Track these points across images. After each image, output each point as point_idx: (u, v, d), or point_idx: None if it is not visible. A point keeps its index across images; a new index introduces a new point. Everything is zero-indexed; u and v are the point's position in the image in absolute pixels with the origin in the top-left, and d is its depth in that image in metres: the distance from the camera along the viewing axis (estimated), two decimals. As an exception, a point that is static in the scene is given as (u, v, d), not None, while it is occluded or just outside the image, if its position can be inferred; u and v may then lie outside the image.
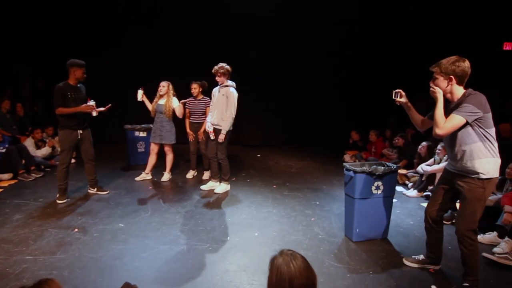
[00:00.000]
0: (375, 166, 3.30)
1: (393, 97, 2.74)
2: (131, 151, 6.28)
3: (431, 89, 2.47)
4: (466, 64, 2.37)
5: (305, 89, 8.39)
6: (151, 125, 5.55)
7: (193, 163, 5.60)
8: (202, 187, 4.95)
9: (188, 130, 5.38)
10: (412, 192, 4.92)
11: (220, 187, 4.87)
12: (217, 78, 4.57)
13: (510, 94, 5.97)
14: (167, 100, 5.10)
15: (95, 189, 4.72)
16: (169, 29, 7.75)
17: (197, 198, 4.61)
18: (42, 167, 5.79)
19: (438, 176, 4.76)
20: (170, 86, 5.16)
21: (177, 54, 7.80)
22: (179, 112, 5.16)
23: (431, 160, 4.93)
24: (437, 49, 7.26)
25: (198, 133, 5.35)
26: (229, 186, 4.95)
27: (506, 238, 3.23)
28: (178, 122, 5.42)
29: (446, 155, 4.70)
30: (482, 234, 3.48)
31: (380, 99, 8.34)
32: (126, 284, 1.74)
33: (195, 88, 5.23)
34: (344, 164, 3.45)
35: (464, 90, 2.42)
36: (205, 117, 5.26)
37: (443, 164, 4.66)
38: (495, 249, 3.14)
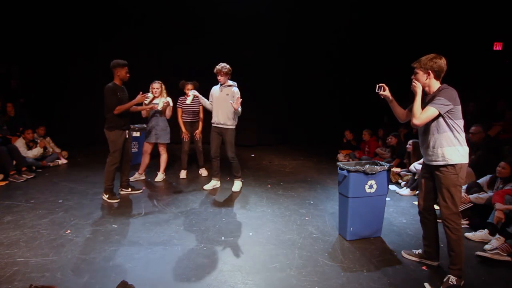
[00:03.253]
0: (368, 165, 3.33)
1: (376, 91, 2.93)
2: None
3: (412, 83, 2.70)
4: (443, 61, 2.63)
5: (299, 88, 8.42)
6: (144, 125, 5.52)
7: (184, 162, 5.58)
8: (205, 187, 4.96)
9: (184, 129, 5.36)
10: (405, 191, 4.97)
11: (236, 185, 4.92)
12: (219, 77, 4.54)
13: (500, 93, 6.06)
14: (163, 99, 5.14)
15: (129, 189, 4.73)
16: (162, 29, 7.72)
17: (191, 198, 4.59)
18: (34, 168, 5.72)
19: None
20: (163, 86, 5.17)
21: (170, 54, 7.77)
22: (170, 112, 5.18)
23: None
24: (429, 49, 7.35)
25: (195, 132, 5.35)
26: (241, 183, 5.01)
27: (497, 236, 3.28)
28: (170, 122, 5.41)
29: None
30: (473, 232, 3.53)
31: (373, 99, 8.45)
32: (123, 283, 1.73)
33: (188, 88, 5.22)
34: (338, 163, 3.47)
35: (440, 85, 2.67)
36: (199, 116, 5.38)
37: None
38: (486, 247, 3.20)
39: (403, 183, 5.27)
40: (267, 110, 8.33)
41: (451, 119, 2.58)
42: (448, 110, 2.55)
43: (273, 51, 8.01)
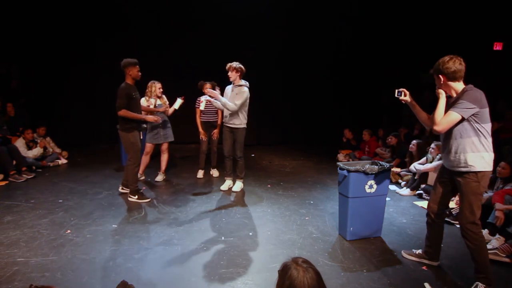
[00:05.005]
0: (368, 165, 3.33)
1: (396, 95, 2.77)
2: (124, 151, 6.21)
3: (436, 89, 2.60)
4: (452, 62, 2.48)
5: (299, 88, 8.42)
6: (144, 125, 5.52)
7: (202, 162, 5.58)
8: (222, 187, 4.94)
9: (201, 129, 5.37)
10: (405, 191, 4.97)
11: (237, 186, 4.92)
12: (229, 73, 4.48)
13: (500, 93, 6.06)
14: (162, 99, 5.21)
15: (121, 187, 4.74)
16: (162, 29, 7.71)
17: (191, 198, 4.59)
18: (34, 168, 5.72)
19: (430, 174, 4.83)
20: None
21: (170, 54, 7.77)
22: (171, 110, 5.23)
23: (424, 159, 4.98)
24: (429, 49, 7.35)
25: (213, 132, 5.36)
26: (242, 184, 5.00)
27: (497, 235, 3.28)
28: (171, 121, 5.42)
29: (439, 154, 4.76)
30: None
31: (373, 98, 8.46)
32: (123, 283, 1.73)
33: (207, 87, 5.23)
34: (338, 163, 3.47)
35: (464, 86, 2.52)
36: (217, 116, 5.36)
37: (435, 163, 4.72)
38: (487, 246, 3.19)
39: (403, 183, 5.27)
40: (267, 110, 8.32)
41: (478, 123, 2.42)
42: (474, 114, 2.39)
43: (273, 51, 8.00)
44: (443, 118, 2.47)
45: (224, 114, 4.69)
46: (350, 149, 7.10)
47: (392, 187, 5.16)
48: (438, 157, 4.76)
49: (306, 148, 8.07)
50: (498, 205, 3.36)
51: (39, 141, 6.06)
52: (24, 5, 7.00)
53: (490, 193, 3.73)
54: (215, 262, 2.96)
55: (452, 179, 2.65)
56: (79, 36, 7.48)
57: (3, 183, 5.06)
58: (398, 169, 5.57)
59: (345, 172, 3.32)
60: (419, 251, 3.07)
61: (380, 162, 3.50)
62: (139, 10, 7.58)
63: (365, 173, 3.28)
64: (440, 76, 2.53)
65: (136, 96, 4.28)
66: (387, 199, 3.62)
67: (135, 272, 2.79)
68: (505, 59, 6.41)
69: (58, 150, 6.49)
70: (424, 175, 4.86)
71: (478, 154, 2.44)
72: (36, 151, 5.88)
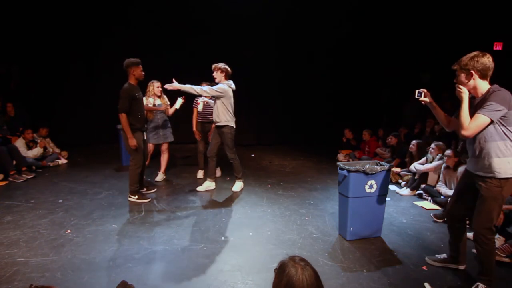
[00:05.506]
0: (368, 165, 3.33)
1: (416, 96, 2.68)
2: (124, 151, 6.23)
3: (457, 89, 2.43)
4: (486, 58, 2.35)
5: (299, 88, 8.42)
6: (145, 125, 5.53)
7: (201, 163, 5.58)
8: (199, 188, 4.89)
9: (194, 129, 5.37)
10: (405, 191, 4.97)
11: (236, 186, 4.91)
12: (214, 74, 4.53)
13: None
14: (162, 99, 5.21)
15: (144, 189, 4.74)
16: (162, 29, 7.71)
17: (191, 198, 4.59)
18: (34, 168, 5.72)
19: (430, 174, 4.83)
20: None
21: (170, 54, 7.77)
22: (172, 110, 5.24)
23: (424, 159, 4.99)
24: (429, 49, 7.36)
25: (209, 133, 5.36)
26: (242, 183, 4.98)
27: (497, 236, 3.28)
28: (171, 121, 5.42)
29: (439, 154, 4.76)
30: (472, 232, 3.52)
31: (373, 98, 8.47)
32: (123, 283, 1.73)
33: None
34: (338, 163, 3.47)
35: (489, 86, 2.39)
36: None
37: (435, 163, 4.72)
38: (486, 246, 3.18)
39: (403, 183, 5.27)
40: (267, 110, 8.33)
41: (504, 126, 2.28)
42: (501, 116, 2.26)
43: (273, 51, 8.01)
44: (471, 122, 2.30)
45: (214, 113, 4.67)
46: (350, 149, 7.10)
47: (392, 187, 5.16)
48: (438, 157, 4.76)
49: (306, 148, 8.07)
50: (498, 205, 3.36)
51: (39, 141, 6.06)
52: (24, 5, 6.99)
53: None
54: (215, 262, 2.96)
55: (473, 182, 2.52)
56: (78, 36, 7.48)
57: (3, 183, 5.06)
58: (398, 169, 5.57)
59: (345, 172, 3.32)
60: (444, 255, 2.96)
61: (380, 162, 3.50)
62: (139, 10, 7.58)
63: (365, 173, 3.28)
64: (473, 71, 2.34)
65: (139, 97, 4.27)
66: (387, 199, 3.62)
67: (135, 272, 2.79)
68: (505, 59, 6.40)
69: (57, 150, 6.50)
70: (424, 175, 4.86)
71: (504, 159, 2.31)
72: (36, 151, 5.88)
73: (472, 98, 2.45)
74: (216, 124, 4.64)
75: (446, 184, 4.46)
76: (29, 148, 5.86)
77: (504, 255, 3.02)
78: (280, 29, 7.89)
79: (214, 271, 2.82)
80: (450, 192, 4.26)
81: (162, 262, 2.96)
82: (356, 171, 3.26)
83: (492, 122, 2.28)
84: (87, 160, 6.70)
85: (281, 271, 1.31)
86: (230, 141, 4.65)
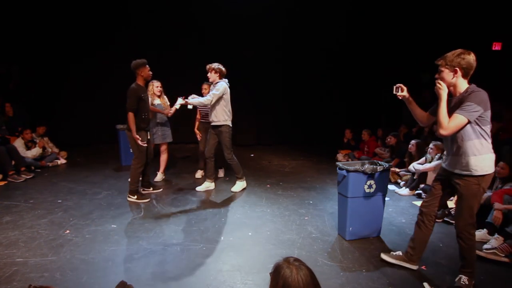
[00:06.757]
0: (367, 165, 3.33)
1: (394, 92, 2.71)
2: (123, 151, 6.23)
3: (436, 84, 2.44)
4: (472, 56, 2.36)
5: (299, 88, 8.42)
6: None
7: (201, 163, 5.58)
8: (198, 188, 4.89)
9: (195, 129, 5.35)
10: (404, 191, 4.97)
11: (236, 186, 4.90)
12: (209, 74, 4.56)
13: (499, 94, 6.06)
14: (162, 99, 5.21)
15: (151, 188, 4.77)
16: (162, 29, 7.71)
17: (191, 198, 4.59)
18: (33, 168, 5.71)
19: (429, 174, 4.83)
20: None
21: (170, 54, 7.77)
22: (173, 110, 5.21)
23: (423, 159, 4.99)
24: (428, 49, 7.35)
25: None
26: (244, 183, 4.97)
27: (496, 235, 3.29)
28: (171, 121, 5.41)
29: (438, 154, 4.76)
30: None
31: (372, 98, 8.47)
32: (122, 283, 1.72)
33: (205, 89, 5.25)
34: (337, 163, 3.46)
35: (468, 85, 2.42)
36: None
37: (434, 163, 4.72)
38: (485, 246, 3.19)
39: (402, 183, 5.27)
40: (266, 110, 8.32)
41: (479, 125, 2.34)
42: (478, 116, 2.31)
43: (273, 51, 8.00)
44: (450, 122, 2.34)
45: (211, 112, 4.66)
46: (349, 149, 7.11)
47: (391, 187, 5.16)
48: (437, 157, 4.76)
49: (306, 148, 8.07)
50: (497, 205, 3.37)
51: (38, 141, 6.05)
52: (23, 5, 6.98)
53: (489, 193, 3.73)
54: (214, 262, 2.96)
55: (450, 181, 2.59)
56: (78, 36, 7.47)
57: (2, 183, 5.05)
58: (397, 169, 5.58)
59: (344, 172, 3.32)
60: (399, 252, 2.97)
61: (379, 162, 3.50)
62: (139, 10, 7.58)
63: (364, 173, 3.28)
64: (458, 68, 2.36)
65: (145, 97, 4.31)
66: (386, 199, 3.62)
67: (134, 272, 2.79)
68: (504, 59, 6.41)
69: (56, 150, 6.49)
70: (423, 175, 4.86)
71: (480, 157, 2.38)
72: (35, 151, 5.88)
73: (449, 96, 2.46)
74: (213, 123, 4.63)
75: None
76: (28, 148, 5.85)
77: (503, 255, 3.03)
78: (280, 29, 7.88)
79: (213, 271, 2.82)
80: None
81: (161, 262, 2.95)
82: (355, 171, 3.27)
83: (469, 122, 2.34)
84: (86, 160, 6.70)
85: (276, 273, 1.31)
86: (228, 141, 4.64)
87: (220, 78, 4.57)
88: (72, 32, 7.42)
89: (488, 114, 2.35)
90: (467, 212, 2.48)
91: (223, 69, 4.57)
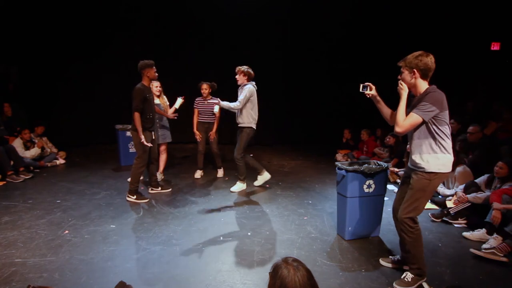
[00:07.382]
0: (366, 165, 3.33)
1: (361, 90, 2.74)
2: (122, 151, 6.23)
3: (398, 84, 2.54)
4: (430, 58, 2.43)
5: (298, 88, 8.42)
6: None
7: (200, 163, 5.57)
8: (232, 189, 4.91)
9: (195, 129, 5.37)
10: (403, 190, 4.97)
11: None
12: (237, 76, 4.64)
13: (497, 93, 6.08)
14: (162, 99, 5.21)
15: (159, 188, 4.77)
16: (162, 29, 7.70)
17: (190, 199, 4.59)
18: (31, 168, 5.70)
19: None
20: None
21: (170, 55, 7.76)
22: (173, 110, 5.25)
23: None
24: (428, 49, 7.36)
25: (210, 133, 5.35)
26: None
27: (495, 235, 3.29)
28: (171, 121, 5.41)
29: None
30: (471, 231, 3.54)
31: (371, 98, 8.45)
32: (121, 283, 1.73)
33: (205, 88, 5.24)
34: (336, 163, 3.47)
35: (427, 86, 2.48)
36: (215, 117, 5.32)
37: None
38: (484, 246, 3.20)
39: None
40: (266, 110, 8.30)
41: (435, 125, 2.41)
42: (433, 116, 2.38)
43: (273, 51, 8.00)
44: (405, 120, 2.44)
45: (237, 114, 4.74)
46: (349, 149, 7.11)
47: (390, 186, 5.17)
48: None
49: (305, 148, 8.08)
50: (495, 205, 3.37)
51: (36, 141, 6.04)
52: (23, 6, 6.96)
53: (488, 193, 3.74)
54: (213, 262, 2.96)
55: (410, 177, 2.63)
56: (77, 37, 7.46)
57: (0, 183, 5.04)
58: (396, 169, 5.58)
59: (343, 172, 3.32)
60: (397, 257, 2.95)
61: (378, 162, 3.51)
62: (138, 10, 7.57)
63: (364, 173, 3.28)
64: (415, 70, 2.44)
65: (149, 98, 4.32)
66: (386, 198, 3.63)
67: (134, 272, 2.79)
68: (503, 59, 6.43)
69: (55, 150, 6.48)
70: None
71: (433, 155, 2.45)
72: (34, 151, 5.86)
73: (411, 96, 2.55)
74: (239, 125, 4.71)
75: (443, 184, 4.47)
76: (27, 148, 5.84)
77: (502, 255, 3.04)
78: (280, 29, 7.89)
79: (212, 271, 2.82)
80: (448, 192, 4.27)
81: (160, 262, 2.95)
82: (355, 171, 3.27)
83: (424, 121, 2.40)
84: (85, 160, 6.69)
85: (275, 273, 1.32)
86: (244, 142, 4.70)
87: (248, 80, 4.63)
88: (70, 33, 7.40)
89: (446, 114, 2.41)
90: (411, 204, 2.52)
91: (252, 72, 4.65)
